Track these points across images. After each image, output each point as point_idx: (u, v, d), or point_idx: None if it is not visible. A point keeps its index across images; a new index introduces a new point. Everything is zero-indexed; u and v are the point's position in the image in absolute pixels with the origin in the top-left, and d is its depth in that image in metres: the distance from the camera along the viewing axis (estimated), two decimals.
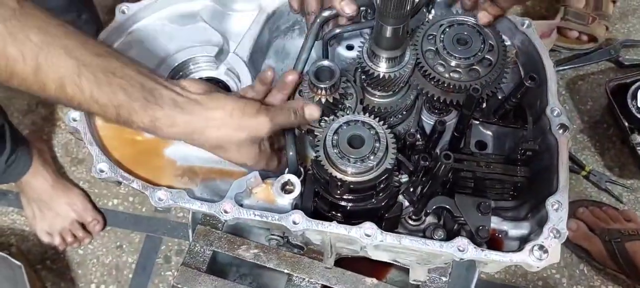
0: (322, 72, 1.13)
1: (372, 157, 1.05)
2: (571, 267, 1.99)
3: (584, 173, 2.09)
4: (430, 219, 1.27)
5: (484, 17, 1.19)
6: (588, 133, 2.20)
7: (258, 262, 1.45)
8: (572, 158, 2.10)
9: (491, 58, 1.18)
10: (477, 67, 1.17)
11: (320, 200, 1.20)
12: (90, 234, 2.07)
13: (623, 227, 1.89)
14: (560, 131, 1.17)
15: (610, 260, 1.88)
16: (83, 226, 2.05)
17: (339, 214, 1.20)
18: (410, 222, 1.28)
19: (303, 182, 1.20)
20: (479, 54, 1.17)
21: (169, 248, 2.07)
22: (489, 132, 1.33)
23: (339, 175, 1.06)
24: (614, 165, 2.13)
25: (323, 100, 1.14)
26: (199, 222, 1.53)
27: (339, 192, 1.12)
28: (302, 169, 1.23)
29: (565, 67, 2.28)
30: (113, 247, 2.07)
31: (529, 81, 1.13)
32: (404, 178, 1.29)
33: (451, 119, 1.35)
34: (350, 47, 1.39)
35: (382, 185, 1.13)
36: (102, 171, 1.14)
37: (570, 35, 2.26)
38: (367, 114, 1.10)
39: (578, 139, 2.19)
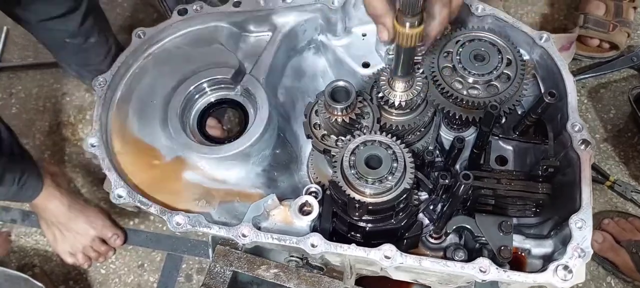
0: (338, 92, 1.12)
1: (390, 177, 1.04)
2: (598, 279, 1.95)
3: (608, 183, 2.04)
4: (451, 237, 1.25)
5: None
6: (612, 142, 2.15)
7: (278, 282, 1.44)
8: (596, 168, 2.06)
9: (509, 73, 1.16)
10: (495, 83, 1.16)
11: (339, 221, 1.19)
12: (112, 248, 2.08)
13: None
14: (582, 147, 1.15)
15: (637, 273, 1.84)
16: (104, 242, 2.06)
17: (358, 235, 1.18)
18: (431, 240, 1.26)
19: (321, 202, 1.19)
20: (498, 68, 1.15)
21: (190, 267, 2.07)
22: (510, 147, 1.31)
23: (357, 197, 1.05)
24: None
25: (339, 120, 1.13)
26: (219, 242, 1.53)
27: (357, 213, 1.11)
28: (320, 189, 1.22)
29: (587, 76, 2.24)
30: (135, 266, 2.08)
31: (549, 97, 1.11)
32: (424, 195, 1.27)
33: (470, 135, 1.34)
34: (366, 65, 1.38)
35: (401, 205, 1.12)
36: (120, 196, 1.15)
37: (590, 43, 2.22)
38: (384, 133, 1.09)
39: (601, 148, 2.14)
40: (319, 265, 1.35)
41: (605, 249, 1.90)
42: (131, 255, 2.10)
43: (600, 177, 2.06)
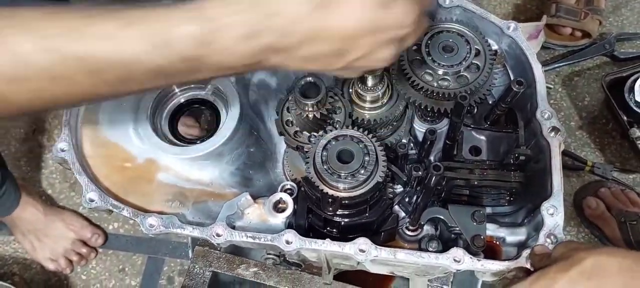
0: (308, 88, 1.12)
1: (362, 171, 1.04)
2: None
3: (587, 168, 2.06)
4: (427, 228, 1.26)
5: None
6: (587, 129, 2.17)
7: (258, 281, 1.44)
8: (573, 156, 2.08)
9: (478, 63, 1.17)
10: (465, 74, 1.16)
11: (314, 217, 1.19)
12: (94, 249, 2.06)
13: None
14: (552, 134, 1.16)
15: (623, 243, 1.86)
16: (85, 244, 2.04)
17: (334, 230, 1.18)
18: (407, 232, 1.26)
19: (295, 199, 1.19)
20: (467, 59, 1.15)
21: (172, 269, 2.06)
22: (483, 137, 1.31)
23: (330, 192, 1.05)
24: (616, 160, 2.11)
25: (310, 116, 1.13)
26: (198, 243, 1.52)
27: (331, 209, 1.11)
28: (294, 186, 1.22)
29: (561, 64, 2.26)
30: (115, 270, 2.07)
31: (517, 86, 1.12)
32: (399, 188, 1.28)
33: (443, 127, 1.34)
34: None
35: (375, 199, 1.12)
36: (91, 200, 1.14)
37: (563, 31, 2.24)
38: (356, 128, 1.09)
39: (577, 135, 2.17)
40: (296, 261, 1.35)
41: (595, 216, 1.92)
42: (111, 259, 2.09)
43: (578, 163, 2.07)
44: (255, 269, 1.45)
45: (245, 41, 0.74)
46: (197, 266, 1.51)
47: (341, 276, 1.46)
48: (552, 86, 2.23)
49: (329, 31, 0.76)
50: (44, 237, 1.97)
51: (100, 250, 2.09)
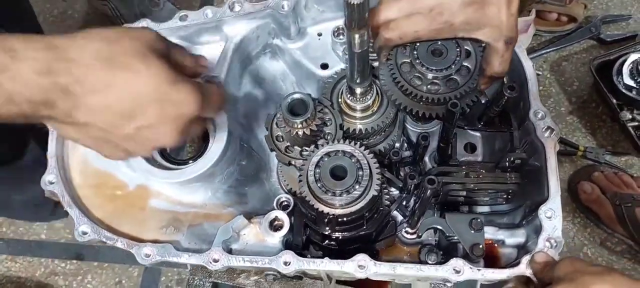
0: (296, 105, 1.09)
1: (357, 186, 1.02)
2: (574, 251, 1.98)
3: (580, 153, 2.07)
4: (426, 232, 1.25)
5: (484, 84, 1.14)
6: (577, 114, 2.17)
7: None
8: (565, 142, 2.08)
9: (469, 65, 1.14)
10: (455, 77, 1.14)
11: (312, 231, 1.17)
12: None
13: (636, 193, 1.88)
14: (546, 134, 1.14)
15: (618, 225, 1.87)
16: None
17: (332, 243, 1.17)
18: (407, 236, 1.25)
19: (291, 213, 1.17)
20: (456, 62, 1.13)
21: (169, 279, 2.05)
22: (478, 134, 1.30)
23: (325, 210, 1.03)
24: (607, 143, 2.11)
25: (300, 133, 1.10)
26: None
27: (328, 228, 1.09)
28: (290, 198, 1.20)
29: (548, 50, 2.26)
30: (112, 283, 2.05)
31: (509, 91, 1.10)
32: (395, 191, 1.26)
33: (435, 126, 1.32)
34: (324, 66, 1.35)
35: (372, 212, 1.11)
36: (84, 233, 1.11)
37: (549, 17, 2.23)
38: (347, 139, 1.07)
39: (568, 121, 2.16)
40: (296, 275, 1.34)
41: (591, 200, 1.94)
42: (107, 272, 2.07)
43: (570, 149, 2.08)
44: (256, 277, 1.44)
45: (40, 76, 0.80)
46: (196, 277, 1.49)
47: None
48: (540, 73, 2.22)
49: (118, 88, 0.85)
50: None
51: (95, 263, 2.07)
